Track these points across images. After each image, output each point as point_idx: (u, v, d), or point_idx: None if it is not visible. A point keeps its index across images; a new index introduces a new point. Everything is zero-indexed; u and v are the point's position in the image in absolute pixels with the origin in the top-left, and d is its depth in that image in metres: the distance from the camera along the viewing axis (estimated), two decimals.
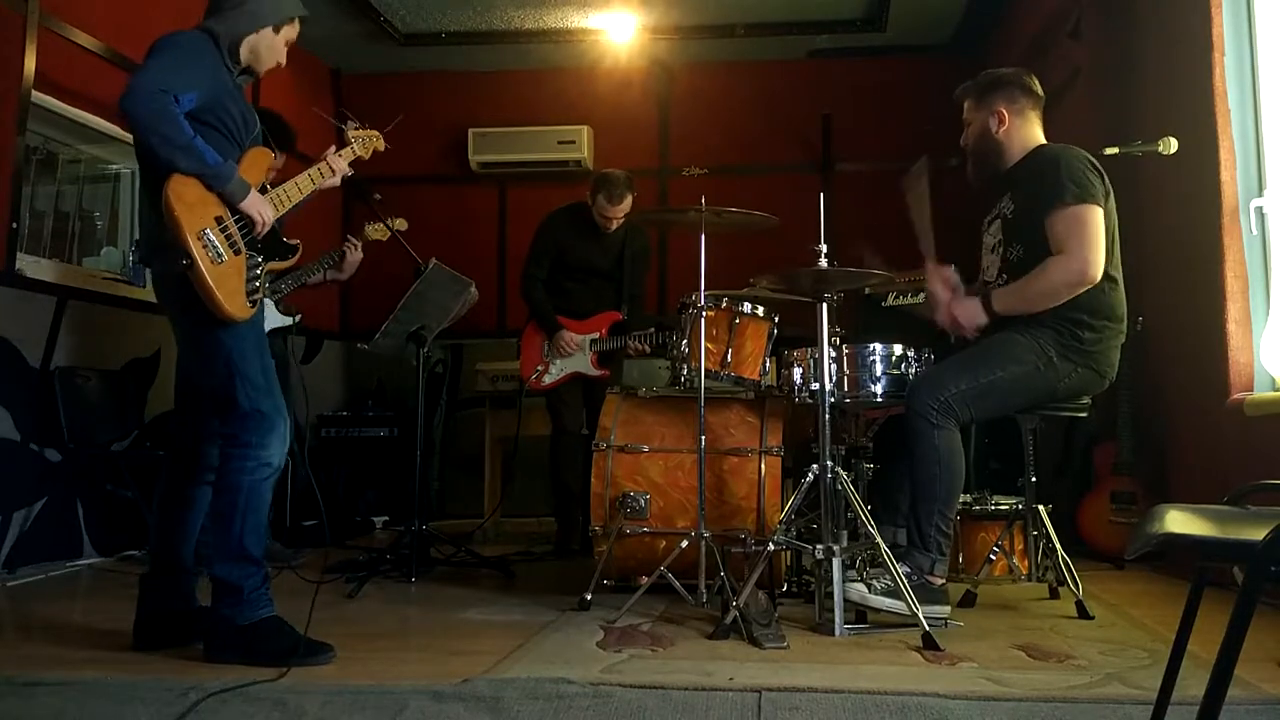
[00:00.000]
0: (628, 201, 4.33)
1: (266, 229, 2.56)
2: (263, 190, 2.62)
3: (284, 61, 2.75)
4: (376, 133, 3.06)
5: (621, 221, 4.37)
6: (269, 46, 2.68)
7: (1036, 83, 3.08)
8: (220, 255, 2.44)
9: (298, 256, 2.76)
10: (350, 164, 2.97)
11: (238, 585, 2.46)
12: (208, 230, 2.43)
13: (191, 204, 2.42)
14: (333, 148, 2.90)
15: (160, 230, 2.42)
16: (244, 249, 2.52)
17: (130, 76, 2.41)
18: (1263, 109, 3.40)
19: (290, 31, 2.72)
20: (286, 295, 4.04)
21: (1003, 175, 3.07)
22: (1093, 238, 2.82)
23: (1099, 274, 2.83)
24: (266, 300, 3.95)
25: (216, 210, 2.47)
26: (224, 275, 2.43)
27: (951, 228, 3.18)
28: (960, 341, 3.12)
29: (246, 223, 2.52)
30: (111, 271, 4.51)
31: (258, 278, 2.55)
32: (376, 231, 4.07)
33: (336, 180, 2.86)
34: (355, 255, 4.08)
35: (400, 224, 4.02)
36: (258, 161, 2.65)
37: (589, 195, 4.39)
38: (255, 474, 2.51)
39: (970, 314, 2.96)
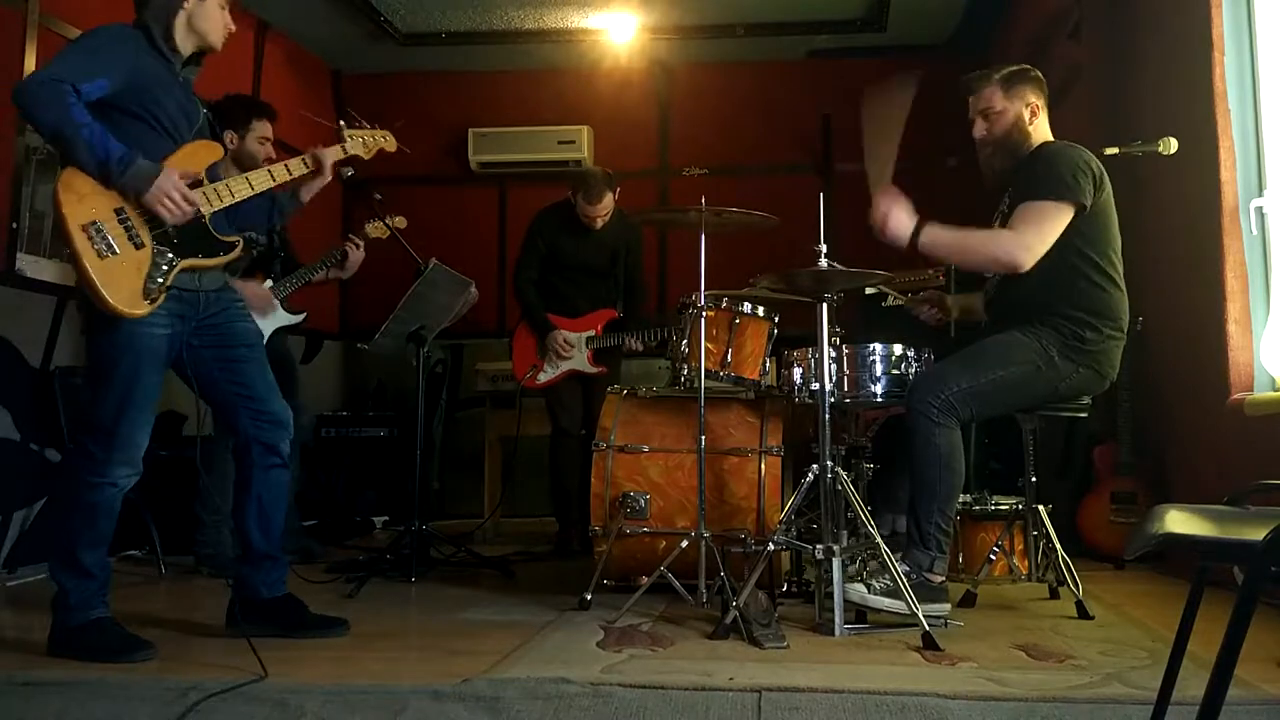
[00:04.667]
0: (607, 199, 4.29)
1: (180, 222, 2.46)
2: (197, 184, 2.53)
3: (232, 27, 2.66)
4: (384, 132, 2.97)
5: (605, 219, 4.35)
6: (205, 16, 2.59)
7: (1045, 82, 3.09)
8: (111, 248, 2.37)
9: (233, 255, 2.64)
10: (347, 163, 2.92)
11: (65, 590, 2.50)
12: (99, 222, 2.37)
13: (84, 194, 2.36)
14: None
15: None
16: (149, 242, 2.44)
17: None
18: (1263, 109, 3.39)
19: None
20: (290, 295, 4.04)
21: (1009, 172, 3.07)
22: (1045, 233, 2.82)
23: (1029, 265, 2.81)
24: (270, 301, 3.98)
25: (118, 201, 2.40)
26: (113, 269, 2.37)
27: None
28: (961, 339, 3.12)
29: (154, 216, 2.44)
30: None
31: (165, 274, 2.46)
32: (376, 229, 4.07)
33: (324, 176, 2.79)
34: (357, 254, 4.07)
35: (399, 222, 4.02)
36: (196, 154, 2.58)
37: (570, 194, 4.38)
38: (95, 491, 2.49)
39: (898, 224, 2.86)
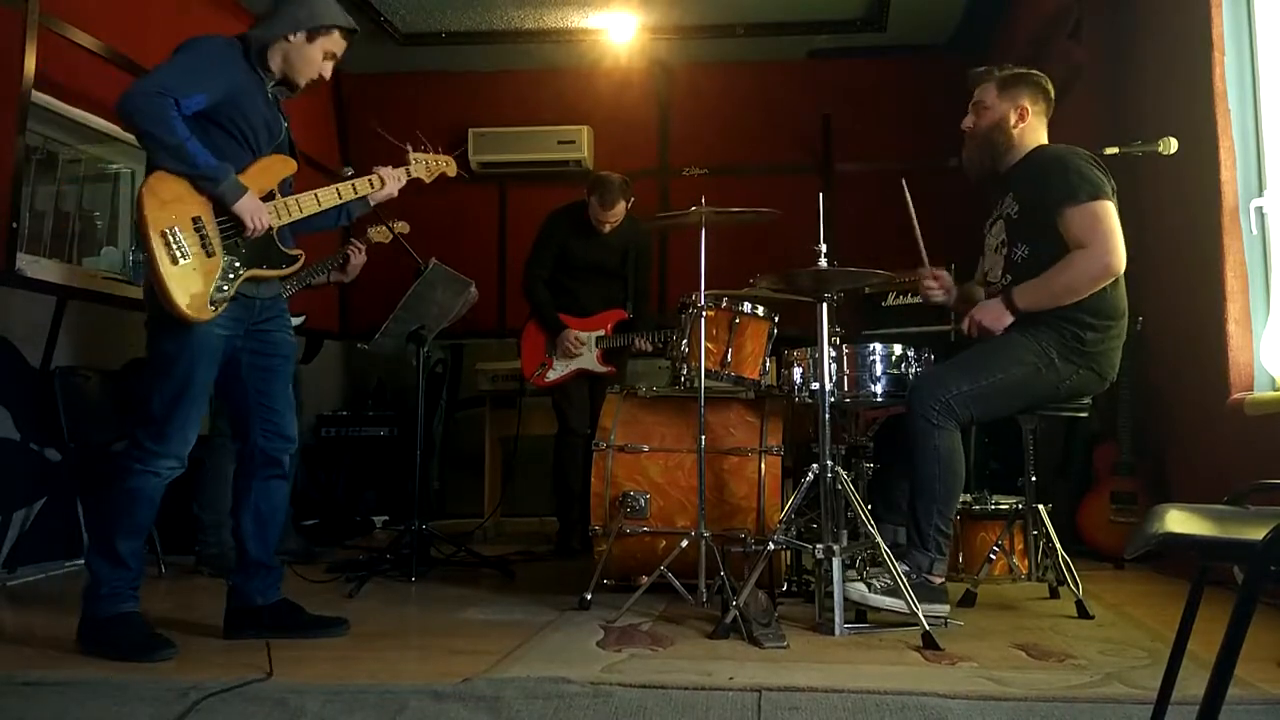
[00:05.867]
0: (620, 207, 4.32)
1: (258, 234, 2.56)
2: (270, 197, 2.62)
3: (326, 76, 2.75)
4: (448, 158, 3.07)
5: (615, 226, 4.37)
6: (302, 56, 2.68)
7: (1052, 90, 3.09)
8: (185, 254, 2.46)
9: (296, 267, 2.73)
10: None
11: (98, 580, 2.54)
12: (176, 228, 2.45)
13: (166, 201, 2.45)
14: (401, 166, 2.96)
15: None
16: (220, 252, 2.52)
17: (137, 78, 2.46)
18: (1263, 109, 3.40)
19: (329, 44, 2.70)
20: (290, 296, 4.04)
21: (1002, 175, 3.07)
22: (1112, 231, 2.83)
23: (1122, 266, 2.84)
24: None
25: (197, 210, 2.49)
26: (184, 274, 2.46)
27: (949, 229, 3.18)
28: (961, 341, 3.12)
29: (234, 225, 2.53)
30: (111, 271, 4.51)
31: (231, 283, 2.54)
32: (378, 234, 4.09)
33: (389, 191, 2.89)
34: (359, 258, 4.09)
35: (402, 227, 4.04)
36: (272, 167, 2.66)
37: (586, 194, 4.39)
38: (140, 479, 2.54)
39: (995, 316, 2.94)
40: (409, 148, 3.01)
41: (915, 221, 3.07)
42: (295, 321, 4.08)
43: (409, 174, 2.97)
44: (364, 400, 6.09)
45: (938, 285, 3.16)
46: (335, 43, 2.72)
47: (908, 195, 3.05)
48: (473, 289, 3.95)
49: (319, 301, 5.70)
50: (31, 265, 3.94)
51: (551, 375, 4.42)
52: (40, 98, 3.93)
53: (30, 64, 3.85)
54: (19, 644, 2.68)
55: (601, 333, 4.44)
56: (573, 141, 6.18)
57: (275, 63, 2.68)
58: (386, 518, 5.60)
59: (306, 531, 4.77)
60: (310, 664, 2.39)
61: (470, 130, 6.26)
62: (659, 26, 5.91)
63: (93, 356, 4.16)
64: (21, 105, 3.83)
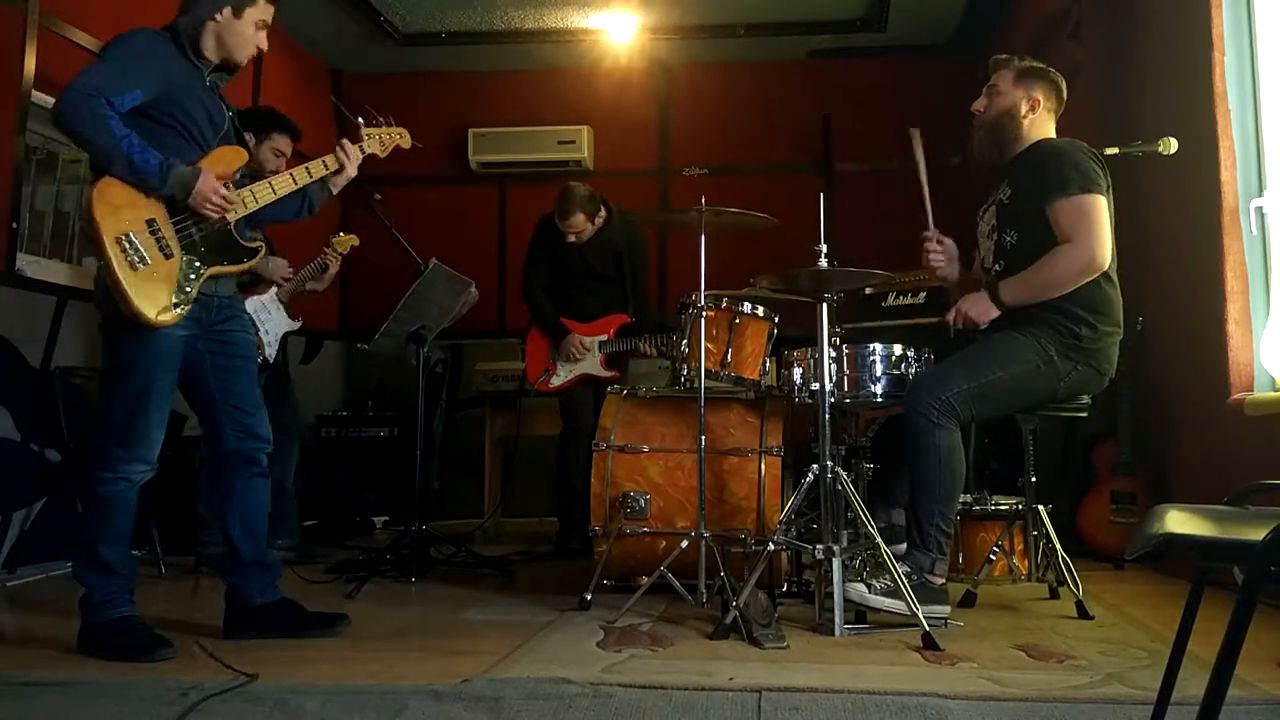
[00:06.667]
0: (577, 219, 4.30)
1: (220, 225, 2.52)
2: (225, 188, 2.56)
3: (264, 47, 2.67)
4: (401, 130, 2.99)
5: (580, 236, 4.35)
6: (235, 34, 2.59)
7: (1065, 91, 3.09)
8: (143, 259, 2.41)
9: (257, 259, 2.69)
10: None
11: (90, 588, 2.53)
12: (131, 234, 2.40)
13: (118, 206, 2.40)
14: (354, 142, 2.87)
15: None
16: (178, 253, 2.48)
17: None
18: (1263, 109, 3.40)
19: (256, 13, 2.61)
20: (288, 306, 4.07)
21: (1004, 165, 3.08)
22: (1099, 226, 2.83)
23: (1106, 262, 2.84)
24: (277, 305, 4.00)
25: (150, 212, 2.44)
26: (145, 279, 2.41)
27: (949, 229, 3.17)
28: (960, 340, 3.12)
29: (191, 223, 2.48)
30: None
31: (193, 283, 2.50)
32: (341, 244, 4.11)
33: (348, 173, 2.80)
34: (335, 267, 4.11)
35: (344, 244, 4.10)
36: (223, 158, 2.60)
37: None
38: (112, 487, 2.52)
39: (981, 309, 2.95)
40: (361, 122, 2.93)
41: (924, 177, 3.03)
42: (294, 325, 4.11)
43: (363, 150, 2.88)
44: (364, 400, 6.09)
45: (940, 250, 3.12)
46: (263, 10, 2.63)
47: (917, 148, 3.02)
48: (473, 289, 3.96)
49: (319, 302, 5.69)
50: (31, 265, 3.94)
51: (556, 381, 4.43)
52: (40, 98, 3.92)
53: (30, 64, 3.85)
54: (19, 644, 2.68)
55: (604, 337, 4.43)
56: (573, 141, 6.18)
57: (209, 47, 2.59)
58: (386, 518, 5.61)
59: (307, 532, 4.77)
60: (310, 664, 2.39)
61: (470, 130, 6.27)
62: (659, 26, 5.91)
63: (93, 356, 4.16)
64: (21, 105, 3.83)
